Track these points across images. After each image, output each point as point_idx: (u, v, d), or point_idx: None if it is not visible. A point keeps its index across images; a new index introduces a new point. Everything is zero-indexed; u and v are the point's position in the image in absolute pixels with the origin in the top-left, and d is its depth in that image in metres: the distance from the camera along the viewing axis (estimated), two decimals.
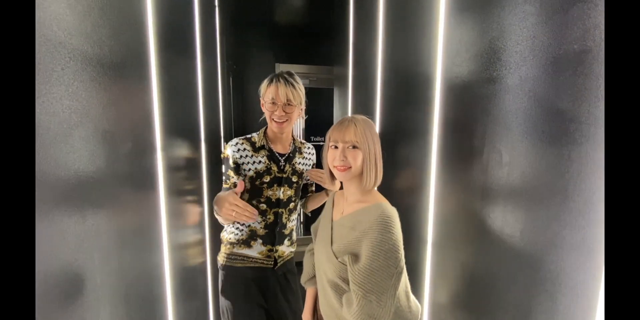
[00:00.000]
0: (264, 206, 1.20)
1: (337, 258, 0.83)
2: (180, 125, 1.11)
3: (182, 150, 1.13)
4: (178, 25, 1.13)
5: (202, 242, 1.38)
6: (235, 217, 0.92)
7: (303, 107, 1.21)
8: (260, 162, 1.19)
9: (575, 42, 0.54)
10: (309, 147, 1.34)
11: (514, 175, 0.66)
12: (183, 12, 1.20)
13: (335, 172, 0.88)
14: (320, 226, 0.99)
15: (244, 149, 1.18)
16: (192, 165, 1.26)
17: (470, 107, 0.80)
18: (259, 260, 1.22)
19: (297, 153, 1.27)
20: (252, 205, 1.19)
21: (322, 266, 0.91)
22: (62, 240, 0.49)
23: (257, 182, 1.18)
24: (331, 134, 0.87)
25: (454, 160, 0.88)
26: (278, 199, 1.21)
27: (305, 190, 1.38)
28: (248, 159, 1.18)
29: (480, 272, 0.78)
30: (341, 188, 1.01)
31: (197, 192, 1.34)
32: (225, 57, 2.11)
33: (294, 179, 1.24)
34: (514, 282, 0.67)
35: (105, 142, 0.61)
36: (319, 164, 1.32)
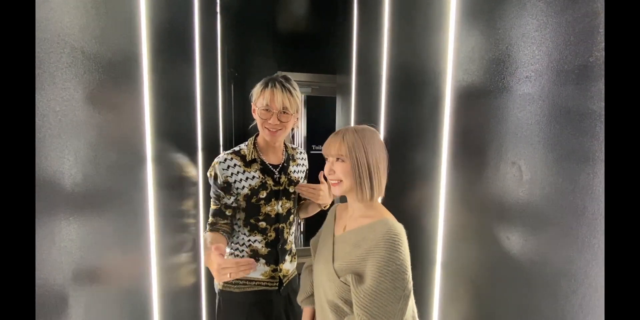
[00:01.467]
0: (263, 224, 1.10)
1: (339, 277, 0.77)
2: (175, 132, 1.06)
3: (177, 160, 1.07)
4: (175, 29, 1.09)
5: (196, 264, 1.31)
6: (234, 277, 0.80)
7: (299, 116, 1.11)
8: (253, 177, 1.08)
9: (600, 51, 0.49)
10: (300, 152, 1.25)
11: (536, 194, 0.60)
12: (181, 17, 1.17)
13: (331, 186, 0.87)
14: (321, 241, 0.93)
15: (234, 166, 1.07)
16: (186, 174, 1.21)
17: (484, 117, 0.74)
18: (262, 283, 1.11)
19: (290, 161, 1.17)
20: (251, 224, 1.10)
21: (321, 285, 0.85)
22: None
23: (254, 200, 1.08)
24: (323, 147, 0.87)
25: (466, 175, 0.82)
26: (277, 214, 1.12)
27: (300, 198, 1.27)
28: (240, 176, 1.07)
29: (497, 300, 0.71)
30: (343, 201, 0.95)
31: (192, 199, 1.28)
32: (226, 64, 2.08)
33: (291, 189, 1.15)
34: (535, 313, 0.60)
35: (87, 151, 0.56)
36: (313, 169, 1.26)
